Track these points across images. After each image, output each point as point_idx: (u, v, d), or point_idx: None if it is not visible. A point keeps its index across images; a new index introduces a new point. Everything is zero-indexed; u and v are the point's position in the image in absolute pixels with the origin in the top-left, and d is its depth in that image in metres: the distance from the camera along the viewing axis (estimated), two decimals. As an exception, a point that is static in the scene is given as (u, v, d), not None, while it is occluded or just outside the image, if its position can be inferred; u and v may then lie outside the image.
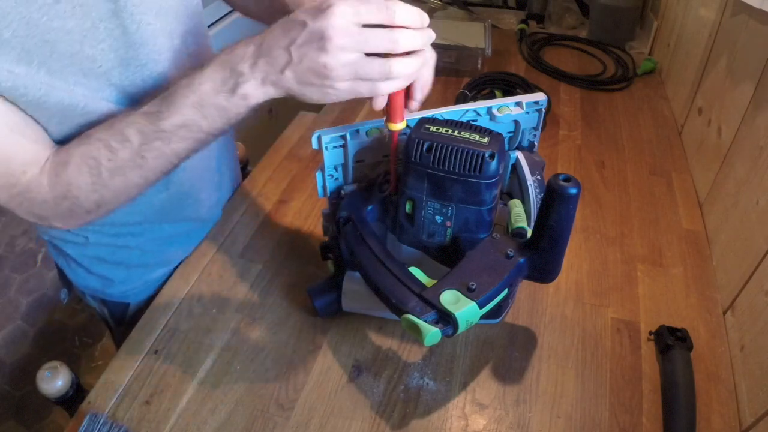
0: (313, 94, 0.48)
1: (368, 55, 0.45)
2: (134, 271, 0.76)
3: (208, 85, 0.49)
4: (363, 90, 0.47)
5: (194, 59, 0.68)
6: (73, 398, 0.84)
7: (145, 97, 0.61)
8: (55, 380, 0.82)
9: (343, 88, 0.47)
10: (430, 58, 0.53)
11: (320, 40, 0.44)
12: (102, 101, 0.57)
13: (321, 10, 0.44)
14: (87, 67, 0.55)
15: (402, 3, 0.46)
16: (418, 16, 0.46)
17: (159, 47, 0.61)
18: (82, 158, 0.53)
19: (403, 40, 0.45)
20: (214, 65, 0.49)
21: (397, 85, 0.48)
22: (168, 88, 0.55)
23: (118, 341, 0.87)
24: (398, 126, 0.54)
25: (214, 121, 0.50)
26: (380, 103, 0.51)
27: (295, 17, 0.46)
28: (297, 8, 0.63)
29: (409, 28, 0.46)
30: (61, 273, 0.81)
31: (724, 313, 0.70)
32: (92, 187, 0.53)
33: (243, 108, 0.49)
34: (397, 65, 0.46)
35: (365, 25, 0.44)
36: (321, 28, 0.44)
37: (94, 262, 0.75)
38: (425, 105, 0.56)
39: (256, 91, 0.48)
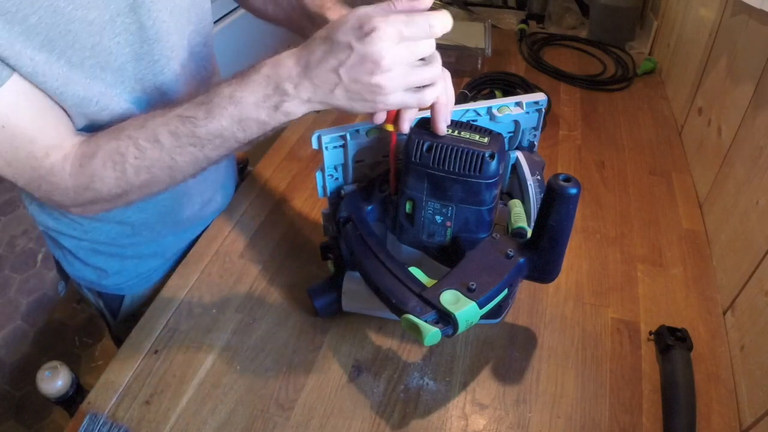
0: (363, 108, 0.49)
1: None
2: (128, 263, 0.77)
3: (250, 99, 0.49)
4: (411, 100, 0.49)
5: (201, 60, 0.69)
6: (73, 398, 0.84)
7: (155, 94, 0.63)
8: (55, 380, 0.82)
9: (392, 101, 0.48)
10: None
11: (371, 64, 0.46)
12: (116, 97, 0.58)
13: (366, 33, 0.45)
14: (104, 60, 0.56)
15: (436, 13, 0.48)
16: (449, 20, 0.48)
17: (171, 44, 0.62)
18: (109, 153, 0.53)
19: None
20: (258, 79, 0.49)
21: (438, 90, 0.50)
22: (178, 90, 0.56)
23: (116, 336, 0.87)
24: (390, 128, 0.54)
25: (251, 133, 0.51)
26: (381, 117, 0.53)
27: (337, 38, 0.46)
28: (319, 11, 0.65)
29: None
30: (59, 265, 0.82)
31: (724, 313, 0.70)
32: (116, 182, 0.54)
33: (283, 123, 0.50)
34: (437, 70, 0.50)
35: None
36: (370, 53, 0.45)
37: (90, 253, 0.75)
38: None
39: (299, 108, 0.49)
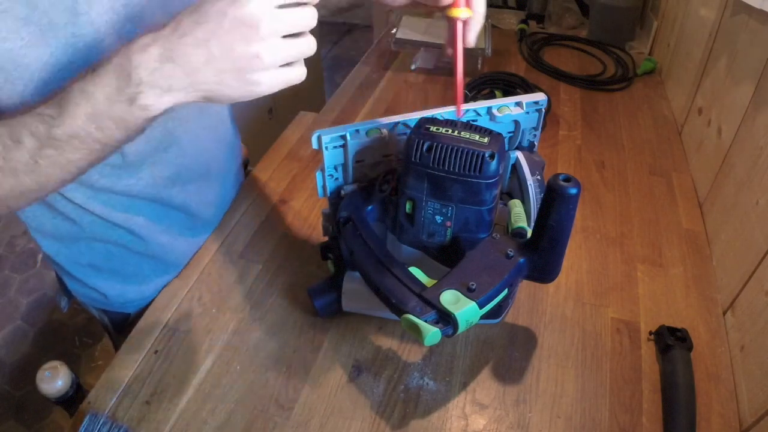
0: (233, 93, 0.43)
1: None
2: (129, 285, 0.74)
3: (101, 92, 0.43)
4: (292, 76, 0.44)
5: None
6: (73, 398, 0.84)
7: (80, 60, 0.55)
8: (55, 380, 0.82)
9: (268, 80, 0.43)
10: None
11: (247, 28, 0.41)
12: (39, 50, 0.52)
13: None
14: (82, 31, 0.51)
15: None
16: None
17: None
18: None
19: (315, 14, 0.44)
20: (109, 68, 0.43)
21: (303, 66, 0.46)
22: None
23: (117, 347, 0.86)
24: (462, 13, 0.49)
25: (111, 132, 0.45)
26: None
27: (205, 6, 0.41)
28: None
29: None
30: (61, 281, 0.79)
31: (724, 313, 0.70)
32: None
33: (142, 119, 0.44)
34: (312, 40, 0.44)
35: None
36: (247, 15, 0.40)
37: (88, 272, 0.73)
38: (424, 105, 0.56)
39: (159, 100, 0.43)
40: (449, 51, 0.53)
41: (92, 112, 0.43)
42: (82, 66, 0.52)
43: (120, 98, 0.42)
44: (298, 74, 0.45)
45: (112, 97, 0.42)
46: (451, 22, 0.50)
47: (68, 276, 0.75)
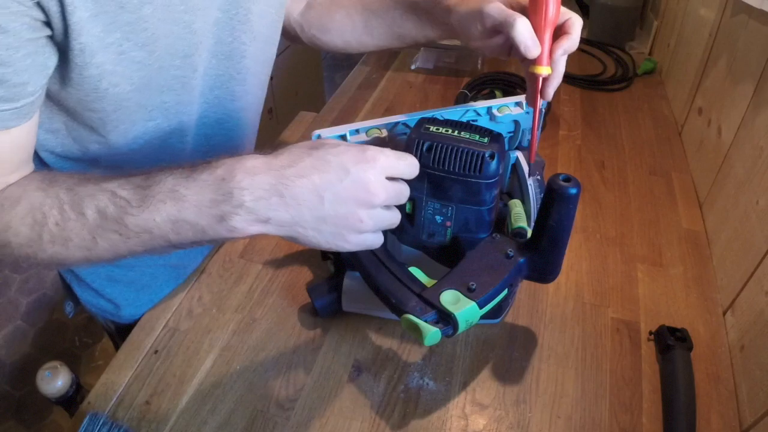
0: (321, 241, 0.44)
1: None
2: (144, 293, 0.74)
3: (193, 200, 0.41)
4: (375, 242, 0.47)
5: (258, 101, 0.68)
6: (73, 398, 0.84)
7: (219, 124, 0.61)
8: (55, 380, 0.82)
9: (357, 241, 0.45)
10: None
11: (366, 193, 0.42)
12: (176, 117, 0.56)
13: (368, 160, 0.42)
14: (188, 75, 0.53)
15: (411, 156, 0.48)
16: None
17: (244, 66, 0.60)
18: (32, 207, 0.45)
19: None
20: (209, 179, 0.41)
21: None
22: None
23: (118, 348, 0.86)
24: (544, 71, 0.52)
25: (185, 238, 0.43)
26: (535, 51, 0.50)
27: (328, 155, 0.42)
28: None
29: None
30: (67, 286, 0.78)
31: (724, 313, 0.70)
32: (27, 242, 0.46)
33: (222, 237, 0.43)
34: (398, 213, 0.48)
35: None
36: (367, 180, 0.42)
37: (106, 283, 0.72)
38: (424, 105, 0.57)
39: (249, 227, 0.41)
40: (529, 102, 0.57)
41: (176, 217, 0.42)
42: (172, 106, 0.55)
43: (211, 212, 0.41)
44: (377, 241, 0.47)
45: (203, 208, 0.41)
46: (533, 77, 0.53)
47: (83, 285, 0.74)
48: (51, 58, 0.44)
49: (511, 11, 0.52)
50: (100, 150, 0.57)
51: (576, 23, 0.53)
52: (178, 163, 0.45)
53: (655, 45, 1.33)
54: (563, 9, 0.53)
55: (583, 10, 1.47)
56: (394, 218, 0.47)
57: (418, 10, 0.64)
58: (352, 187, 0.42)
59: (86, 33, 0.43)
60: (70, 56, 0.45)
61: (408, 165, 0.47)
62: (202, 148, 0.65)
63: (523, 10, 0.53)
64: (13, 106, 0.43)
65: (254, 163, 0.42)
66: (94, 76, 0.47)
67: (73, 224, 0.44)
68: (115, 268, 0.71)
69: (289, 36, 0.76)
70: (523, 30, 0.50)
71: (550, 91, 0.53)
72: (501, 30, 0.53)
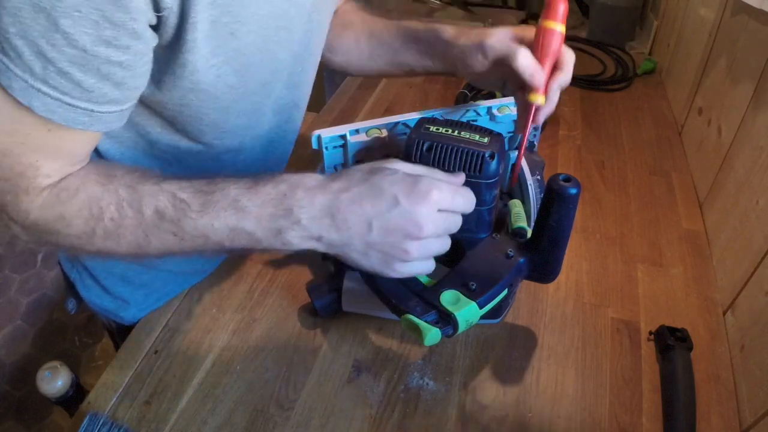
0: (366, 264, 0.45)
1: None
2: (151, 297, 0.72)
3: (254, 212, 0.43)
4: (424, 269, 0.47)
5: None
6: (73, 398, 0.84)
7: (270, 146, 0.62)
8: (55, 380, 0.82)
9: (404, 269, 0.46)
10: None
11: (414, 227, 0.43)
12: (239, 138, 0.57)
13: (420, 192, 0.43)
14: (263, 102, 0.54)
15: (468, 190, 0.48)
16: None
17: (304, 93, 0.62)
18: (89, 200, 0.46)
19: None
20: (272, 193, 0.43)
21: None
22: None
23: (118, 348, 0.85)
24: (540, 100, 0.55)
25: (238, 244, 0.45)
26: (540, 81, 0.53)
27: (382, 184, 0.43)
28: (429, 26, 0.63)
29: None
30: (70, 285, 0.76)
31: (724, 313, 0.70)
32: (79, 234, 0.46)
33: (278, 248, 0.44)
34: (449, 242, 0.48)
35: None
36: (417, 215, 0.43)
37: (118, 281, 0.71)
38: (424, 105, 0.57)
39: (302, 243, 0.44)
40: (518, 129, 0.59)
41: (235, 225, 0.43)
42: (241, 130, 0.57)
43: (270, 225, 0.43)
44: (427, 268, 0.48)
45: (262, 220, 0.43)
46: (527, 105, 0.56)
47: (89, 283, 0.73)
48: (148, 73, 0.45)
49: (512, 43, 0.54)
50: (159, 136, 0.56)
51: (569, 60, 0.56)
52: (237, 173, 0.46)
53: (655, 45, 1.33)
54: None
55: (583, 10, 1.48)
56: (443, 246, 0.47)
57: (419, 41, 0.65)
58: (399, 219, 0.43)
59: (196, 51, 0.44)
60: (173, 67, 0.45)
61: (465, 200, 0.47)
62: (254, 166, 0.65)
63: (524, 43, 0.55)
64: (120, 108, 0.43)
65: (313, 182, 0.44)
66: (186, 88, 0.47)
67: (129, 222, 0.45)
68: (130, 270, 0.71)
69: None
70: (526, 59, 0.53)
71: (542, 119, 0.56)
72: (503, 61, 0.55)
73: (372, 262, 0.45)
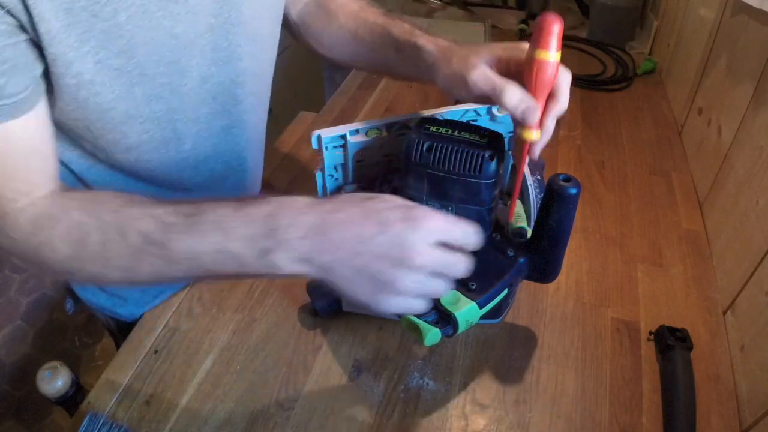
0: (358, 295, 0.42)
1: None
2: (149, 291, 0.73)
3: (239, 232, 0.42)
4: (413, 308, 0.43)
5: (262, 100, 0.67)
6: (73, 398, 0.84)
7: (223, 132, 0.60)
8: (55, 380, 0.82)
9: (395, 304, 0.42)
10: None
11: (403, 253, 0.40)
12: (169, 125, 0.55)
13: (414, 218, 0.40)
14: (176, 82, 0.52)
15: (472, 227, 0.44)
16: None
17: (242, 69, 0.59)
18: (71, 226, 0.45)
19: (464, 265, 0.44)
20: (256, 213, 0.42)
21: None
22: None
23: (119, 347, 0.86)
24: (534, 136, 0.49)
25: (225, 269, 0.43)
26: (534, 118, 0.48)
27: (376, 206, 0.42)
28: (409, 38, 0.58)
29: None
30: (67, 284, 0.77)
31: (724, 313, 0.70)
32: (65, 260, 0.46)
33: (265, 272, 0.42)
34: (449, 284, 0.44)
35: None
36: (408, 241, 0.40)
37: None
38: (424, 105, 0.57)
39: (289, 266, 0.41)
40: (515, 161, 0.56)
41: (221, 247, 0.42)
42: (164, 115, 0.54)
43: (254, 245, 0.41)
44: (418, 308, 0.44)
45: (248, 241, 0.41)
46: (522, 141, 0.50)
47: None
48: (36, 62, 0.44)
49: (497, 79, 0.49)
50: (95, 151, 0.56)
51: (565, 86, 0.50)
52: (220, 195, 0.45)
53: (655, 45, 1.33)
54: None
55: (583, 10, 1.48)
56: (438, 288, 0.43)
57: (401, 51, 0.61)
58: (387, 244, 0.40)
59: (58, 43, 0.43)
60: (47, 64, 0.44)
61: (463, 233, 0.43)
62: (207, 155, 0.64)
63: (512, 70, 0.51)
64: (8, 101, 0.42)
65: (302, 203, 0.42)
66: (71, 85, 0.46)
67: (116, 246, 0.44)
68: None
69: (291, 33, 0.76)
70: (515, 98, 0.48)
71: (538, 152, 0.51)
72: (490, 98, 0.50)
73: (363, 291, 0.42)
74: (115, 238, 0.44)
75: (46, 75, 0.46)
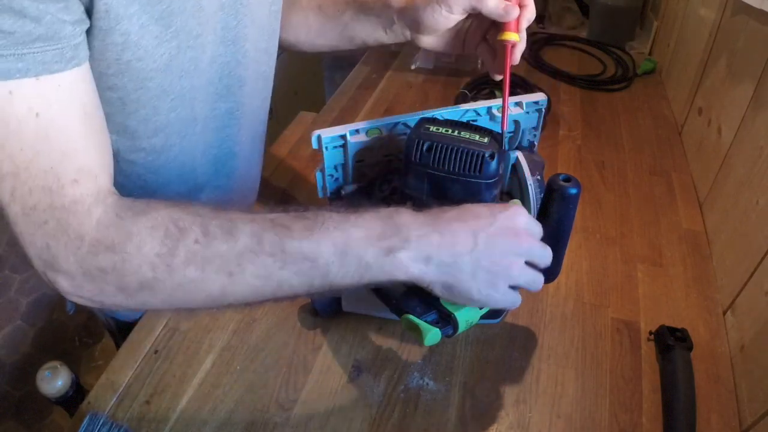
0: (473, 290, 0.45)
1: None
2: None
3: (361, 230, 0.42)
4: (517, 301, 0.48)
5: (265, 78, 0.67)
6: (73, 398, 0.84)
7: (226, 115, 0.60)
8: (55, 380, 0.82)
9: (502, 295, 0.46)
10: None
11: (514, 235, 0.45)
12: (190, 104, 0.54)
13: (506, 207, 0.46)
14: (198, 57, 0.51)
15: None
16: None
17: (246, 51, 0.59)
18: (165, 219, 0.40)
19: None
20: (377, 216, 0.43)
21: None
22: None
23: (119, 347, 0.86)
24: (513, 37, 0.53)
25: (346, 272, 0.42)
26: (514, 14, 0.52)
27: (476, 209, 0.46)
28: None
29: None
30: None
31: (724, 313, 0.70)
32: (153, 260, 0.39)
33: (387, 275, 0.42)
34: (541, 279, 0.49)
35: None
36: (513, 224, 0.45)
37: None
38: (424, 105, 0.57)
39: (411, 265, 0.42)
40: (498, 71, 0.58)
41: (344, 246, 0.41)
42: (188, 92, 0.53)
43: (380, 243, 0.42)
44: (518, 301, 0.48)
45: (372, 239, 0.42)
46: (502, 45, 0.54)
47: None
48: (84, 16, 0.40)
49: None
50: (117, 141, 0.53)
51: None
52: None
53: (655, 45, 1.33)
54: None
55: (583, 10, 1.48)
56: (538, 279, 0.48)
57: (368, 12, 0.64)
58: (501, 228, 0.44)
59: None
60: (94, 20, 0.40)
61: (545, 251, 0.48)
62: (212, 140, 0.63)
63: None
64: (55, 47, 0.37)
65: (407, 210, 0.45)
66: (118, 44, 0.43)
67: (218, 244, 0.40)
68: None
69: None
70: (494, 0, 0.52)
71: (518, 56, 0.54)
72: (469, 10, 0.54)
73: (479, 285, 0.44)
74: (219, 233, 0.40)
75: (89, 34, 0.41)
